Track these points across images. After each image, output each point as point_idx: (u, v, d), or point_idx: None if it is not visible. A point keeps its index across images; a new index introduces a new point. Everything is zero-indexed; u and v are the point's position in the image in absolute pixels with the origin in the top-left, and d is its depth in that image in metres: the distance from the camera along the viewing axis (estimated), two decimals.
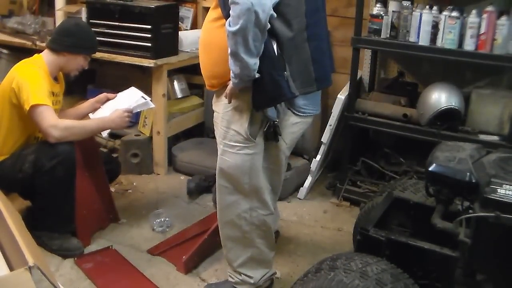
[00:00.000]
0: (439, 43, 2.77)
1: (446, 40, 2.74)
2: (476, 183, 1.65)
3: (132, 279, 2.45)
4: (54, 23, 3.99)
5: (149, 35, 3.32)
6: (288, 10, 1.87)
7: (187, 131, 3.91)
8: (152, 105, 2.81)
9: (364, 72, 3.52)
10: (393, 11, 2.92)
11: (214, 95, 2.13)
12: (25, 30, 3.96)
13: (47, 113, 2.43)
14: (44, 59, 2.62)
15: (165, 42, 3.41)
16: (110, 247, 2.67)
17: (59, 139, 2.44)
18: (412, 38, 2.87)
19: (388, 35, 2.96)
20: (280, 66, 1.88)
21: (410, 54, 3.07)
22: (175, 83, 3.93)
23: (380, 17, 2.94)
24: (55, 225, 2.57)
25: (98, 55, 3.17)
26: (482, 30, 2.65)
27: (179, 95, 3.94)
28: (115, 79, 4.06)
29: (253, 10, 1.69)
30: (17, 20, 4.06)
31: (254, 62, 1.81)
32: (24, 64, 2.59)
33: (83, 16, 3.64)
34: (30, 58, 2.64)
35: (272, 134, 2.00)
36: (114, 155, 3.63)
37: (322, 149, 3.31)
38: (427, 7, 2.81)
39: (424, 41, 2.81)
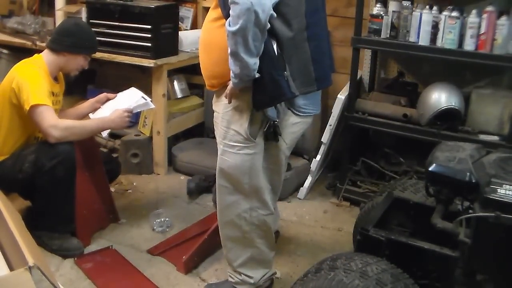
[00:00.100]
0: (439, 43, 2.77)
1: (446, 40, 2.74)
2: (476, 183, 1.65)
3: (132, 279, 2.45)
4: (54, 23, 3.99)
5: (149, 35, 3.32)
6: (288, 10, 1.87)
7: (187, 131, 3.91)
8: (152, 106, 2.81)
9: (364, 72, 3.52)
10: (393, 11, 2.92)
11: (214, 95, 2.13)
12: (25, 30, 3.96)
13: (47, 113, 2.43)
14: (44, 59, 2.62)
15: (165, 42, 3.41)
16: (110, 247, 2.67)
17: (59, 139, 2.44)
18: (412, 38, 2.87)
19: (388, 35, 2.96)
20: (280, 66, 1.88)
21: (410, 54, 3.07)
22: (175, 83, 3.93)
23: (380, 17, 2.94)
24: (55, 225, 2.57)
25: (98, 55, 3.17)
26: (482, 30, 2.65)
27: (179, 95, 3.94)
28: (115, 79, 4.06)
29: (253, 10, 1.69)
30: (17, 20, 4.06)
31: (254, 62, 1.81)
32: (24, 64, 2.59)
33: (83, 16, 3.64)
34: (30, 58, 2.64)
35: (272, 134, 2.00)
36: (114, 155, 3.63)
37: (322, 149, 3.31)
38: (427, 7, 2.81)
39: (424, 41, 2.81)
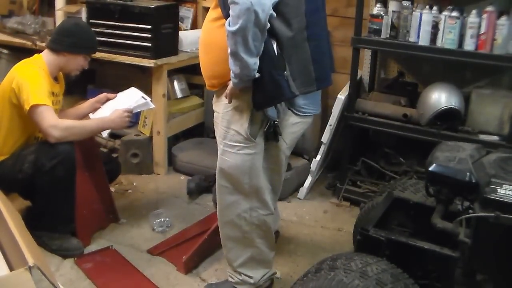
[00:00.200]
0: (439, 43, 2.77)
1: (446, 40, 2.74)
2: (476, 183, 1.65)
3: (132, 279, 2.44)
4: (54, 23, 3.99)
5: (149, 35, 3.32)
6: (287, 9, 1.87)
7: (187, 131, 3.91)
8: (152, 106, 2.81)
9: (364, 72, 3.52)
10: (393, 11, 2.92)
11: (214, 95, 2.13)
12: (25, 30, 3.96)
13: (47, 113, 2.43)
14: (44, 59, 2.62)
15: (165, 42, 3.41)
16: (110, 247, 2.67)
17: (59, 139, 2.44)
18: (412, 38, 2.87)
19: (388, 35, 2.96)
20: (280, 66, 1.88)
21: (410, 54, 3.08)
22: (175, 83, 3.93)
23: (380, 17, 2.94)
24: (55, 225, 2.57)
25: (98, 55, 3.17)
26: (482, 30, 2.65)
27: (179, 95, 3.94)
28: (115, 79, 4.06)
29: (252, 9, 1.69)
30: (17, 20, 4.06)
31: (254, 62, 1.81)
32: (24, 64, 2.59)
33: (83, 16, 3.64)
34: (30, 58, 2.64)
35: (272, 134, 2.00)
36: (114, 155, 3.63)
37: (322, 149, 3.31)
38: (427, 7, 2.81)
39: (424, 41, 2.81)
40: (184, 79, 3.99)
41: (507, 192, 1.54)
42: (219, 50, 1.93)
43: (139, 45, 3.35)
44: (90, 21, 3.46)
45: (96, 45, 2.76)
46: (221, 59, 1.92)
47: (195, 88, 4.07)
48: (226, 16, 1.80)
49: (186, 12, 4.05)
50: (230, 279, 2.29)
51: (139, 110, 2.93)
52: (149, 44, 3.32)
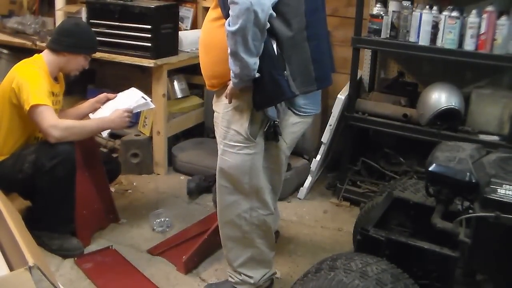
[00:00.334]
0: (439, 43, 2.77)
1: (446, 40, 2.74)
2: (476, 183, 1.65)
3: (132, 279, 2.44)
4: (54, 23, 3.99)
5: (149, 35, 3.32)
6: (287, 9, 1.87)
7: (187, 131, 3.91)
8: (152, 106, 2.81)
9: (364, 72, 3.52)
10: (393, 11, 2.92)
11: (214, 95, 2.13)
12: (25, 30, 3.96)
13: (47, 113, 2.43)
14: (44, 59, 2.62)
15: (165, 42, 3.41)
16: (110, 247, 2.67)
17: (59, 139, 2.44)
18: (412, 38, 2.87)
19: (388, 35, 2.96)
20: (280, 66, 1.88)
21: (410, 54, 3.08)
22: (175, 83, 3.93)
23: (380, 17, 2.94)
24: (55, 225, 2.57)
25: (98, 55, 3.17)
26: (482, 30, 2.65)
27: (179, 95, 3.94)
28: (115, 79, 4.06)
29: (252, 9, 1.69)
30: (17, 20, 4.06)
31: (254, 62, 1.81)
32: (24, 64, 2.59)
33: (83, 16, 3.64)
34: (30, 58, 2.64)
35: (272, 134, 2.00)
36: (114, 155, 3.64)
37: (322, 149, 3.31)
38: (427, 7, 2.81)
39: (424, 41, 2.81)
40: (184, 79, 3.99)
41: (507, 192, 1.54)
42: (219, 50, 1.93)
43: (139, 45, 3.35)
44: (90, 21, 3.46)
45: (96, 45, 2.76)
46: (221, 59, 1.92)
47: (195, 88, 4.07)
48: (226, 16, 1.80)
49: (186, 12, 4.05)
50: (230, 279, 2.29)
51: (139, 110, 2.93)
52: (149, 44, 3.32)
